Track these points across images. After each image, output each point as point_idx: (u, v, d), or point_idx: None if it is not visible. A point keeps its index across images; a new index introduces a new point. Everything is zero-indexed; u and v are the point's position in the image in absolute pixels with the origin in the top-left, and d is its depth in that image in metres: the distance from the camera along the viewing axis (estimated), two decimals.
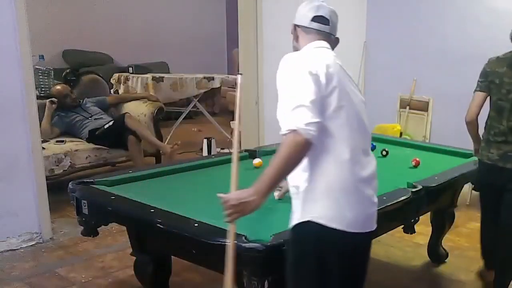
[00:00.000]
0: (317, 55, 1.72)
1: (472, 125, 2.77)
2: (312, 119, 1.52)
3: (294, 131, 1.51)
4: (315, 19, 1.82)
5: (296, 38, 1.88)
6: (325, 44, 1.81)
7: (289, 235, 1.70)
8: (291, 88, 1.60)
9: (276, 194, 2.27)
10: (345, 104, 1.65)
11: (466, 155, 3.22)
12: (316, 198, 1.62)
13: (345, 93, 1.67)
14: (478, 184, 2.97)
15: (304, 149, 1.53)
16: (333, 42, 1.86)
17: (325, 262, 1.64)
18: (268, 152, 3.27)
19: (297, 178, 1.66)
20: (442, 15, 5.04)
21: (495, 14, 4.78)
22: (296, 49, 1.86)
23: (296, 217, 1.67)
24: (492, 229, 2.83)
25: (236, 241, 1.72)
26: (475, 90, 2.79)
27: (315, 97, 1.56)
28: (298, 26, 1.86)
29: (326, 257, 1.64)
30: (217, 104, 8.96)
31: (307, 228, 1.63)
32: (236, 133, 1.74)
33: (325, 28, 1.82)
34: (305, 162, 1.60)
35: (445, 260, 3.38)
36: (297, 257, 1.67)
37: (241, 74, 1.90)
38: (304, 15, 1.85)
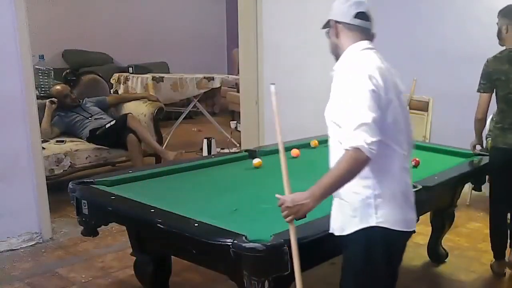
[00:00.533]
0: (372, 64, 1.76)
1: (483, 121, 3.11)
2: (374, 138, 1.61)
3: (357, 149, 1.60)
4: (358, 15, 1.85)
5: (336, 34, 1.88)
6: (370, 45, 1.85)
7: (346, 239, 1.78)
8: (353, 103, 1.67)
9: None
10: (399, 114, 1.76)
11: (466, 155, 3.22)
12: (380, 204, 1.73)
13: (397, 104, 1.76)
14: (491, 170, 3.14)
15: (364, 165, 1.64)
16: (372, 38, 1.91)
17: (390, 260, 1.81)
18: (268, 152, 3.28)
19: (355, 186, 1.72)
20: (442, 15, 5.04)
21: (495, 14, 4.78)
22: (336, 45, 1.90)
23: (355, 223, 1.75)
24: (502, 215, 3.15)
25: (236, 241, 1.73)
26: (481, 92, 3.05)
27: (376, 115, 1.64)
28: (339, 22, 1.86)
29: (391, 255, 1.81)
30: (217, 104, 8.96)
31: (372, 233, 1.73)
32: (280, 142, 1.83)
33: (367, 25, 1.86)
34: (365, 170, 1.68)
35: (445, 260, 3.38)
36: (365, 259, 1.77)
37: (273, 84, 1.90)
38: (345, 11, 1.85)
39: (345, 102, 1.69)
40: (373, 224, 1.72)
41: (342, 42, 1.87)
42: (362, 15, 1.85)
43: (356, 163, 1.62)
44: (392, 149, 1.73)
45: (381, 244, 1.75)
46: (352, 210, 1.76)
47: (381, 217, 1.72)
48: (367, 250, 1.75)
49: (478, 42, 4.81)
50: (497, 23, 3.14)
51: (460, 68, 4.82)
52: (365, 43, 1.85)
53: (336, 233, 1.82)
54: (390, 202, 1.74)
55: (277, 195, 1.75)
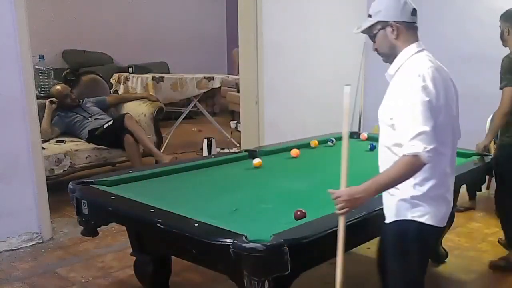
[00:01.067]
0: (429, 71, 1.81)
1: (508, 116, 3.07)
2: (431, 145, 1.73)
3: (415, 155, 1.73)
4: (414, 12, 1.90)
5: (397, 35, 1.89)
6: (422, 45, 1.93)
7: (388, 227, 1.97)
8: (412, 111, 1.76)
9: None
10: (448, 118, 1.85)
11: (466, 155, 3.22)
12: (421, 202, 1.88)
13: (447, 109, 1.85)
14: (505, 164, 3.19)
15: (419, 170, 1.78)
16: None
17: (423, 250, 1.99)
18: (268, 152, 3.28)
19: (405, 184, 1.85)
20: (442, 15, 5.04)
21: (495, 14, 4.78)
22: (393, 47, 1.91)
23: (398, 215, 1.93)
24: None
25: (236, 241, 1.73)
26: (507, 85, 3.02)
27: (433, 123, 1.75)
28: (399, 22, 1.87)
29: (423, 246, 1.97)
30: (217, 104, 8.96)
31: (409, 225, 1.90)
32: (345, 140, 1.90)
33: (417, 22, 1.93)
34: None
35: (445, 260, 3.38)
36: (403, 247, 1.95)
37: (349, 85, 1.89)
38: (402, 9, 1.86)
39: (404, 109, 1.78)
40: (410, 217, 1.89)
41: (400, 43, 1.89)
42: (415, 12, 1.90)
43: (413, 168, 1.76)
44: (438, 152, 1.80)
45: (414, 236, 1.90)
46: (395, 204, 1.92)
47: (418, 212, 1.88)
48: (401, 240, 1.93)
49: (478, 42, 4.82)
50: (500, 26, 3.37)
51: (460, 68, 4.81)
52: (417, 44, 1.91)
53: (385, 221, 1.99)
54: (428, 201, 1.88)
55: (330, 190, 1.84)
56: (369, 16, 1.93)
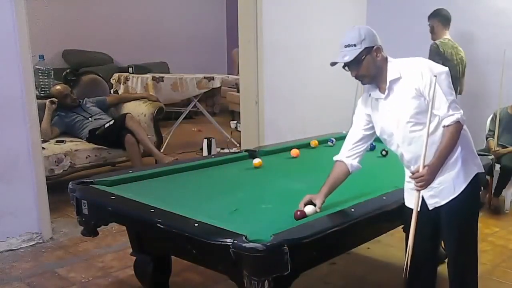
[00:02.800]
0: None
1: None
2: (461, 110, 2.10)
3: (457, 122, 2.06)
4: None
5: (380, 57, 2.16)
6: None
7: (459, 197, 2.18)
8: (441, 84, 2.06)
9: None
10: None
11: None
12: (468, 158, 2.20)
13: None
14: None
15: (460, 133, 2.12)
16: None
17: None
18: (268, 152, 3.28)
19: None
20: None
21: (495, 14, 4.78)
22: (379, 66, 2.15)
23: (466, 179, 2.18)
24: None
25: (236, 241, 1.73)
26: None
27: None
28: (378, 45, 2.17)
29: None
30: (217, 104, 8.96)
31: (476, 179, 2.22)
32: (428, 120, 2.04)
33: None
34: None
35: (445, 260, 3.37)
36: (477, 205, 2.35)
37: (435, 76, 2.07)
38: (375, 35, 2.17)
39: (431, 88, 2.04)
40: (476, 172, 2.20)
41: (382, 62, 2.16)
42: None
43: (458, 134, 2.08)
44: None
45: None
46: (456, 173, 2.17)
47: (475, 166, 2.22)
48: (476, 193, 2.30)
49: (478, 42, 4.82)
50: (429, 24, 4.41)
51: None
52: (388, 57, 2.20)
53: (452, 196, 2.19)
54: (473, 153, 2.23)
55: (413, 169, 2.12)
56: (352, 45, 2.10)
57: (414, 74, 2.09)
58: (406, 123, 2.13)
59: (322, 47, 5.28)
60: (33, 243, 3.60)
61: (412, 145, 2.16)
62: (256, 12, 4.60)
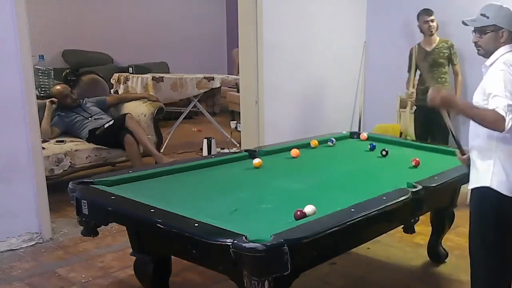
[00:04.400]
0: None
1: None
2: None
3: (502, 116, 2.00)
4: None
5: (504, 40, 2.22)
6: None
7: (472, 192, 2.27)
8: (507, 86, 2.08)
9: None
10: None
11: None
12: (496, 172, 2.17)
13: None
14: None
15: (495, 129, 2.05)
16: None
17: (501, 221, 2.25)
18: (268, 152, 3.28)
19: (482, 155, 2.22)
20: (442, 15, 5.03)
21: None
22: (497, 47, 2.22)
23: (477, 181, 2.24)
24: None
25: (236, 241, 1.73)
26: None
27: None
28: (509, 30, 2.22)
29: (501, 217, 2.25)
30: (217, 104, 8.96)
31: (486, 191, 2.20)
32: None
33: None
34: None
35: (445, 260, 3.38)
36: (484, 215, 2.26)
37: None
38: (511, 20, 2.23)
39: (498, 87, 2.08)
40: (487, 185, 2.16)
41: (502, 45, 2.22)
42: None
43: (493, 122, 2.03)
44: None
45: (491, 204, 2.17)
46: (476, 173, 2.23)
47: (496, 182, 2.14)
48: (482, 206, 2.22)
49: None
50: (418, 25, 4.65)
51: (460, 68, 4.82)
52: (510, 46, 2.23)
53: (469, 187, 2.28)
54: (505, 172, 2.15)
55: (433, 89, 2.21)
56: (486, 16, 2.24)
57: (495, 71, 2.15)
58: (480, 103, 2.19)
59: (322, 47, 5.29)
60: (33, 243, 3.60)
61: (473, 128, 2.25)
62: (256, 12, 4.61)
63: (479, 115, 2.09)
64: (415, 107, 4.74)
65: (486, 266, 2.25)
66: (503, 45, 2.22)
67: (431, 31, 4.67)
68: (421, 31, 4.71)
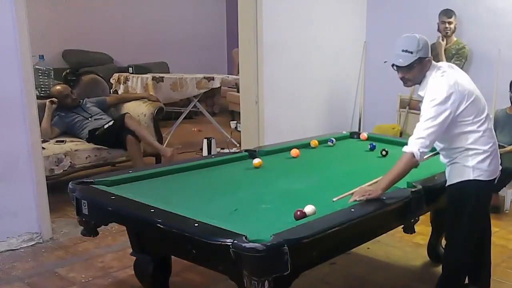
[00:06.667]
0: (445, 85, 2.37)
1: None
2: (425, 149, 2.37)
3: (411, 153, 2.31)
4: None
5: (428, 67, 2.41)
6: (436, 64, 2.47)
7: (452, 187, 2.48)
8: (424, 116, 2.36)
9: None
10: (477, 100, 2.45)
11: None
12: (475, 165, 2.43)
13: (474, 95, 2.45)
14: None
15: (412, 168, 2.37)
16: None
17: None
18: (268, 152, 3.28)
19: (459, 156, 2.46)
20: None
21: (495, 14, 4.78)
22: (424, 74, 2.41)
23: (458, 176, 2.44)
24: None
25: (236, 241, 1.73)
26: None
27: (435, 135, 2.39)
28: (429, 57, 2.40)
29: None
30: (217, 104, 8.96)
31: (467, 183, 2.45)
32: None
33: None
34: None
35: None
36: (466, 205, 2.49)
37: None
38: (429, 48, 2.41)
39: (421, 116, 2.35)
40: (471, 178, 2.39)
41: (427, 71, 2.41)
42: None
43: (409, 167, 2.31)
44: (485, 128, 2.38)
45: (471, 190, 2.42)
46: (457, 169, 2.43)
47: (477, 173, 2.39)
48: (464, 195, 2.44)
49: (478, 42, 4.82)
50: (437, 23, 4.72)
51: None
52: (433, 66, 2.42)
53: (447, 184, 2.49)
54: (484, 163, 2.38)
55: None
56: (409, 52, 2.34)
57: (425, 99, 2.35)
58: None
59: (322, 47, 5.29)
60: (33, 243, 3.60)
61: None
62: (256, 12, 4.60)
63: (397, 174, 2.28)
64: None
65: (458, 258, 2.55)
66: (428, 71, 2.40)
67: (447, 32, 4.67)
68: (438, 30, 4.72)
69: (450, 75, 2.36)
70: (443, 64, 2.50)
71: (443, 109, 2.27)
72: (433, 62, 2.43)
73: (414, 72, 2.38)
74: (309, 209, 2.11)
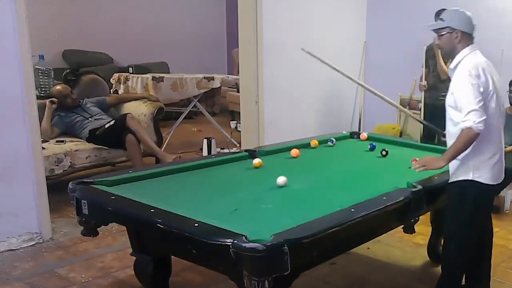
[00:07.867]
0: (479, 66, 2.41)
1: None
2: (480, 118, 2.28)
3: (469, 128, 2.26)
4: (474, 27, 2.55)
5: (458, 40, 2.48)
6: (475, 47, 2.51)
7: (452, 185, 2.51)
8: (467, 93, 2.34)
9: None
10: (498, 100, 2.48)
11: None
12: (476, 165, 2.43)
13: (496, 92, 2.48)
14: None
15: (474, 139, 2.30)
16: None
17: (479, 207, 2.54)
18: (268, 152, 3.28)
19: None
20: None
21: (495, 14, 4.78)
22: (454, 47, 2.48)
23: (459, 175, 2.46)
24: None
25: (236, 241, 1.73)
26: None
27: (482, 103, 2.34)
28: (463, 32, 2.48)
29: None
30: (217, 104, 8.96)
31: (468, 183, 2.46)
32: None
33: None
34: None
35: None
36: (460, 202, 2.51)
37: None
38: (468, 24, 2.50)
39: (460, 94, 2.34)
40: (470, 178, 2.41)
41: (459, 46, 2.48)
42: (475, 27, 2.55)
43: (470, 140, 2.29)
44: (492, 125, 2.38)
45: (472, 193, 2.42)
46: (457, 167, 2.45)
47: (477, 173, 2.40)
48: (462, 196, 2.45)
49: (478, 42, 4.81)
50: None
51: None
52: (470, 47, 2.48)
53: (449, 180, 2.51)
54: (485, 164, 2.41)
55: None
56: (442, 19, 2.49)
57: (459, 75, 2.39)
58: (450, 109, 2.44)
59: (322, 47, 5.28)
60: (33, 243, 3.60)
61: (449, 129, 2.50)
62: (256, 12, 4.61)
63: (459, 147, 2.33)
64: (421, 105, 4.72)
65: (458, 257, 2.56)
66: (461, 47, 2.47)
67: None
68: None
69: (485, 63, 2.43)
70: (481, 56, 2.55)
71: (478, 82, 2.33)
72: (472, 46, 2.49)
73: (443, 40, 2.50)
74: (281, 180, 2.49)
